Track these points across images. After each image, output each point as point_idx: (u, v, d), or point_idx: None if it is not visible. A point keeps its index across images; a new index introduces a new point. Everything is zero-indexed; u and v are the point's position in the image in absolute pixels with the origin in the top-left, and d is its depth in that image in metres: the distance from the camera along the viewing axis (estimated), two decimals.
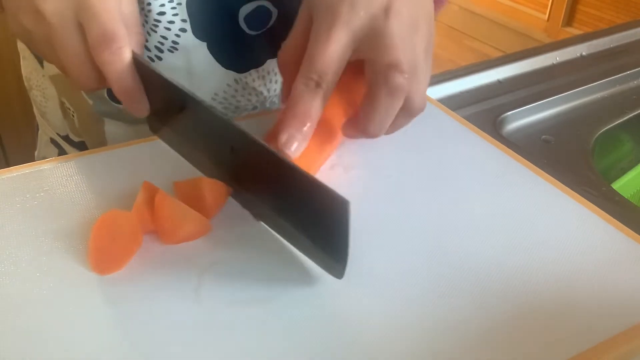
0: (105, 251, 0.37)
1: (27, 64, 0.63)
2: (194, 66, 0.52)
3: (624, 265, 0.39)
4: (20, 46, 0.63)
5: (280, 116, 0.42)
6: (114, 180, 0.44)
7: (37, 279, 0.36)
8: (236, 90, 0.55)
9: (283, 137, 0.39)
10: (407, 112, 0.42)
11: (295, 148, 0.39)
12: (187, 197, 0.41)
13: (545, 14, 2.50)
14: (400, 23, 0.40)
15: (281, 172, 0.37)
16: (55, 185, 0.43)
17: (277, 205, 0.39)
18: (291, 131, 0.39)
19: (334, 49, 0.39)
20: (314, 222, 0.36)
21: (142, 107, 0.42)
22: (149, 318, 0.34)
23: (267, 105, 0.57)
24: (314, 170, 0.44)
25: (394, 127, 0.43)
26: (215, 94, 0.55)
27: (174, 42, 0.51)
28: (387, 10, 0.40)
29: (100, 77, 0.41)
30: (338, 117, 0.45)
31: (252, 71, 0.55)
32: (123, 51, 0.39)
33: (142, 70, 0.41)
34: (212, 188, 0.41)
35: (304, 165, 0.40)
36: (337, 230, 0.34)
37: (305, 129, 0.39)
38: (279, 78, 0.56)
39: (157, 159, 0.46)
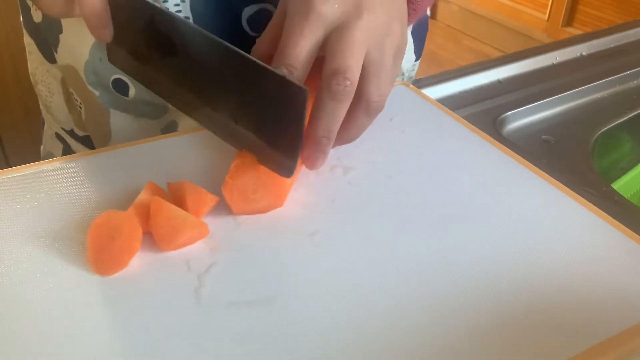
0: (105, 252, 0.37)
1: (33, 59, 0.64)
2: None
3: (624, 265, 0.39)
4: (27, 41, 0.63)
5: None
6: (114, 181, 0.44)
7: (37, 279, 0.36)
8: None
9: None
10: (366, 112, 0.42)
11: None
12: (175, 199, 0.41)
13: (545, 14, 2.50)
14: (369, 24, 0.40)
15: (241, 67, 0.38)
16: (55, 186, 0.43)
17: (234, 109, 0.40)
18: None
19: (305, 43, 0.40)
20: (269, 118, 0.38)
21: (106, 32, 0.42)
22: (149, 319, 0.34)
23: None
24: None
25: (355, 127, 0.43)
26: None
27: None
28: (359, 7, 0.40)
29: (69, 2, 0.41)
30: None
31: None
32: None
33: None
34: (193, 192, 0.41)
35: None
36: (292, 122, 0.37)
37: None
38: None
39: (158, 160, 0.46)
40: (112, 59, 0.47)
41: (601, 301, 0.36)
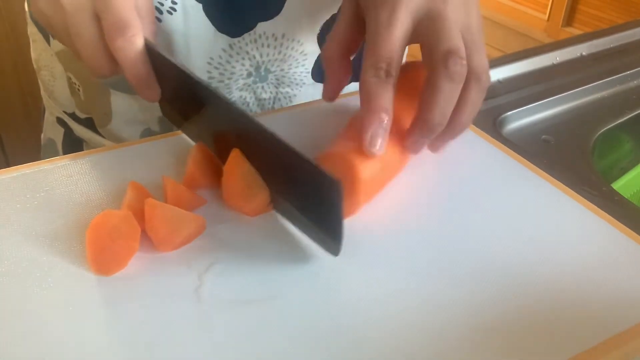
0: (105, 252, 0.37)
1: (37, 47, 0.65)
2: (190, 29, 0.54)
3: (624, 265, 0.39)
4: (31, 30, 0.65)
5: (352, 120, 0.42)
6: (114, 180, 0.44)
7: (37, 278, 0.36)
8: (230, 56, 0.56)
9: (367, 137, 0.39)
10: (478, 87, 0.41)
11: (380, 144, 0.39)
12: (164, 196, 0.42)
13: (545, 14, 2.50)
14: (455, 6, 0.41)
15: (277, 150, 0.37)
16: (55, 185, 0.43)
17: (278, 187, 0.40)
18: (373, 128, 0.39)
19: (398, 33, 0.40)
20: (310, 202, 0.38)
21: (153, 93, 0.44)
22: (149, 318, 0.34)
23: (262, 72, 0.58)
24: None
25: (470, 107, 0.42)
26: (211, 59, 0.56)
27: (173, 2, 0.52)
28: None
29: (113, 64, 0.42)
30: (407, 118, 0.45)
31: (245, 35, 0.55)
32: (136, 39, 0.41)
33: (154, 57, 0.42)
34: (174, 189, 0.41)
35: (389, 171, 0.43)
36: (331, 209, 0.36)
37: (385, 122, 0.39)
38: (271, 42, 0.57)
39: (156, 159, 0.46)
40: (165, 113, 0.49)
41: (601, 301, 0.36)
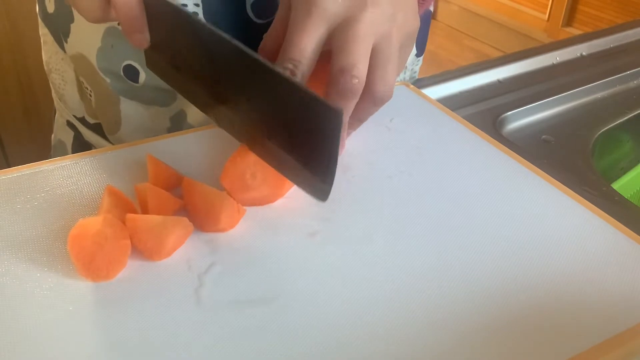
0: (96, 260, 0.36)
1: (48, 49, 0.65)
2: None
3: (624, 265, 0.39)
4: (42, 31, 0.65)
5: None
6: (114, 181, 0.44)
7: (38, 279, 0.36)
8: None
9: None
10: (371, 102, 0.43)
11: None
12: (140, 202, 0.41)
13: (545, 14, 2.50)
14: (376, 14, 0.41)
15: (274, 84, 0.37)
16: (55, 186, 0.43)
17: (267, 126, 0.39)
18: None
19: (309, 38, 0.40)
20: (302, 138, 0.37)
21: (142, 37, 0.43)
22: (149, 319, 0.34)
23: None
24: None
25: (361, 115, 0.44)
26: None
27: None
28: (363, 0, 0.40)
29: (106, 4, 0.41)
30: None
31: None
32: None
33: (148, 1, 0.41)
34: (156, 195, 0.41)
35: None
36: (327, 144, 0.35)
37: None
38: None
39: (159, 158, 0.46)
40: (150, 65, 0.47)
41: (601, 301, 0.36)
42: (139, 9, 0.41)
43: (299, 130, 0.37)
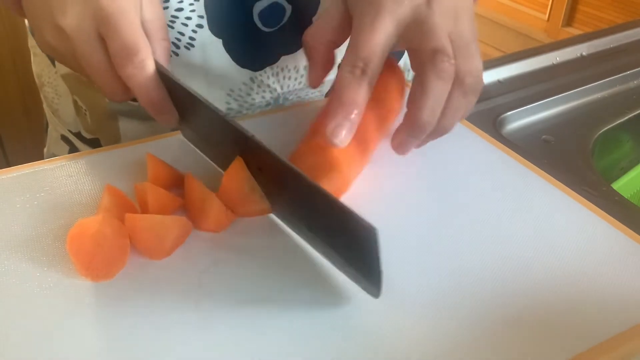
0: (96, 260, 0.36)
1: (39, 61, 0.63)
2: (210, 64, 0.53)
3: (624, 265, 0.39)
4: (31, 43, 0.64)
5: (326, 107, 0.41)
6: (114, 180, 0.44)
7: (37, 278, 0.36)
8: (251, 89, 0.56)
9: (331, 126, 0.39)
10: (462, 91, 0.41)
11: (344, 136, 0.39)
12: (140, 201, 0.41)
13: (545, 14, 2.50)
14: (442, 12, 0.41)
15: (309, 193, 0.36)
16: (55, 185, 0.43)
17: (310, 225, 0.38)
18: (338, 119, 0.39)
19: (379, 37, 0.40)
20: (345, 243, 0.36)
21: (170, 118, 0.42)
22: (149, 318, 0.34)
23: (280, 101, 0.58)
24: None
25: (452, 111, 0.42)
26: (231, 90, 0.55)
27: (191, 39, 0.51)
28: (429, 1, 0.40)
29: (126, 88, 0.41)
30: (372, 123, 0.45)
31: (267, 68, 0.55)
32: (146, 64, 0.39)
33: (167, 80, 0.40)
34: (155, 194, 0.40)
35: (345, 172, 0.42)
36: (368, 255, 0.33)
37: (352, 116, 0.39)
38: (292, 74, 0.57)
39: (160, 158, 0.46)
40: (186, 136, 0.47)
41: (601, 301, 0.36)
42: (158, 93, 0.40)
43: (339, 236, 0.36)
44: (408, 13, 0.40)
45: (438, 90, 0.40)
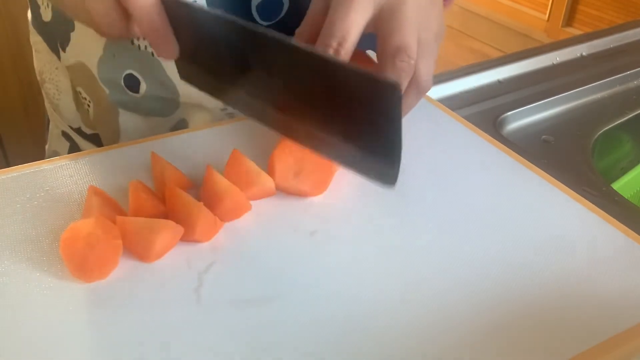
0: (88, 261, 0.36)
1: (41, 57, 0.64)
2: None
3: (624, 265, 0.39)
4: (34, 39, 0.64)
5: None
6: (113, 180, 0.44)
7: (37, 278, 0.36)
8: None
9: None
10: (416, 90, 0.43)
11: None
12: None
13: (545, 14, 2.50)
14: (418, 5, 0.41)
15: (321, 70, 0.34)
16: (55, 186, 0.43)
17: (317, 117, 0.37)
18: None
19: (354, 17, 0.40)
20: (360, 124, 0.34)
21: (170, 48, 0.41)
22: (149, 318, 0.34)
23: None
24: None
25: (406, 108, 0.44)
26: None
27: None
28: None
29: (125, 20, 0.40)
30: None
31: None
32: None
33: (171, 8, 0.39)
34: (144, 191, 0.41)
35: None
36: (388, 124, 0.32)
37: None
38: None
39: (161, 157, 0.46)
40: (183, 76, 0.45)
41: (601, 301, 0.36)
42: (160, 18, 0.39)
43: (355, 116, 0.34)
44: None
45: None
